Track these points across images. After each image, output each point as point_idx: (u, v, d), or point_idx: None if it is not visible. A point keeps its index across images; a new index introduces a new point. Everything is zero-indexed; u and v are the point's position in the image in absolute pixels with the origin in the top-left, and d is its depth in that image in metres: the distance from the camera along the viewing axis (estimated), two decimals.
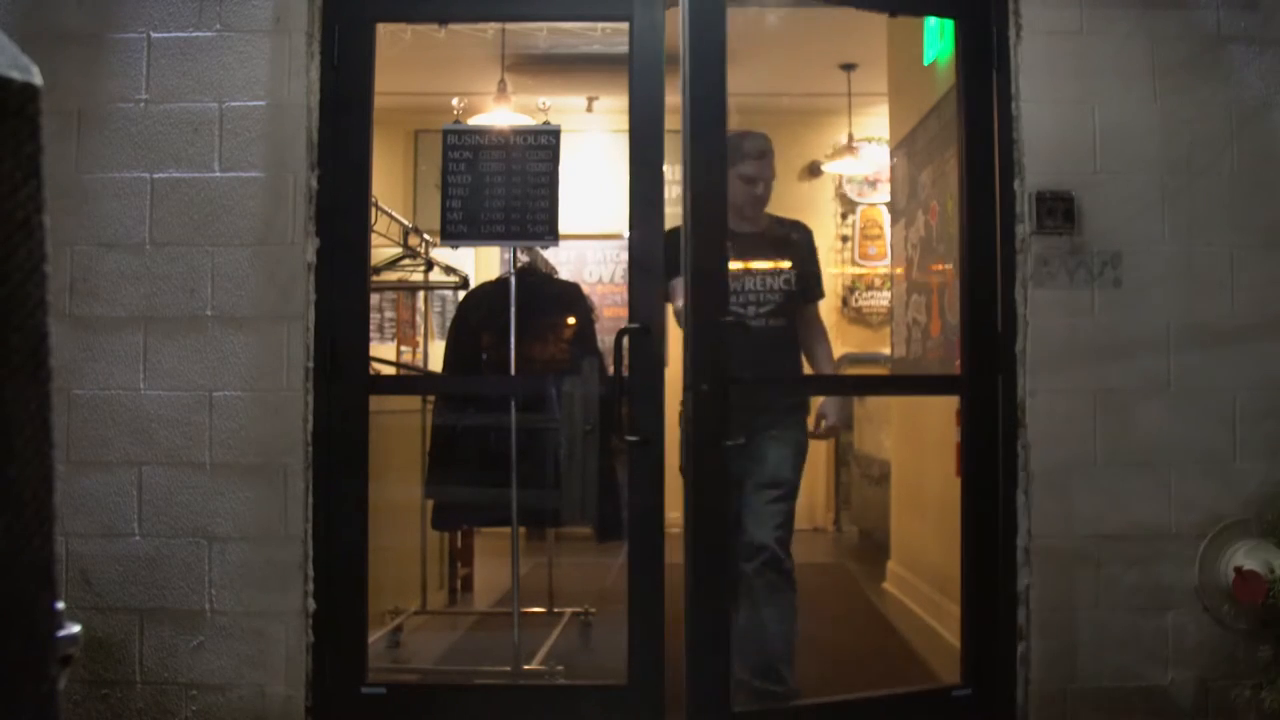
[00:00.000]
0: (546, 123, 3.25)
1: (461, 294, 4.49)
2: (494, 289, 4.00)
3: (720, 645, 2.65)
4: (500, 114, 4.99)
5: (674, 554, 2.76)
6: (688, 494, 2.68)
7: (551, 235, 3.02)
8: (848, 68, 6.02)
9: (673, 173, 2.82)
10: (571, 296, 3.92)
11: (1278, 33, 2.83)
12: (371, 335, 3.32)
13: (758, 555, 3.06)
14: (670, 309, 2.98)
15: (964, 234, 2.91)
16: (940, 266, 4.12)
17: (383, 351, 5.30)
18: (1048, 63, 2.81)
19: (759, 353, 2.86)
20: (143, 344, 2.75)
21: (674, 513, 2.73)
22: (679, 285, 2.71)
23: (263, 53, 2.78)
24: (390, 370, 4.61)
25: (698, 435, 2.65)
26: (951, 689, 2.91)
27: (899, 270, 4.89)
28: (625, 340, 2.77)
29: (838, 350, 6.99)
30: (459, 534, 4.68)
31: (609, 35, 4.51)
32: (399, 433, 4.00)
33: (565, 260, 6.00)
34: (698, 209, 2.69)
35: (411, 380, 4.75)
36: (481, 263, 6.46)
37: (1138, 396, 2.78)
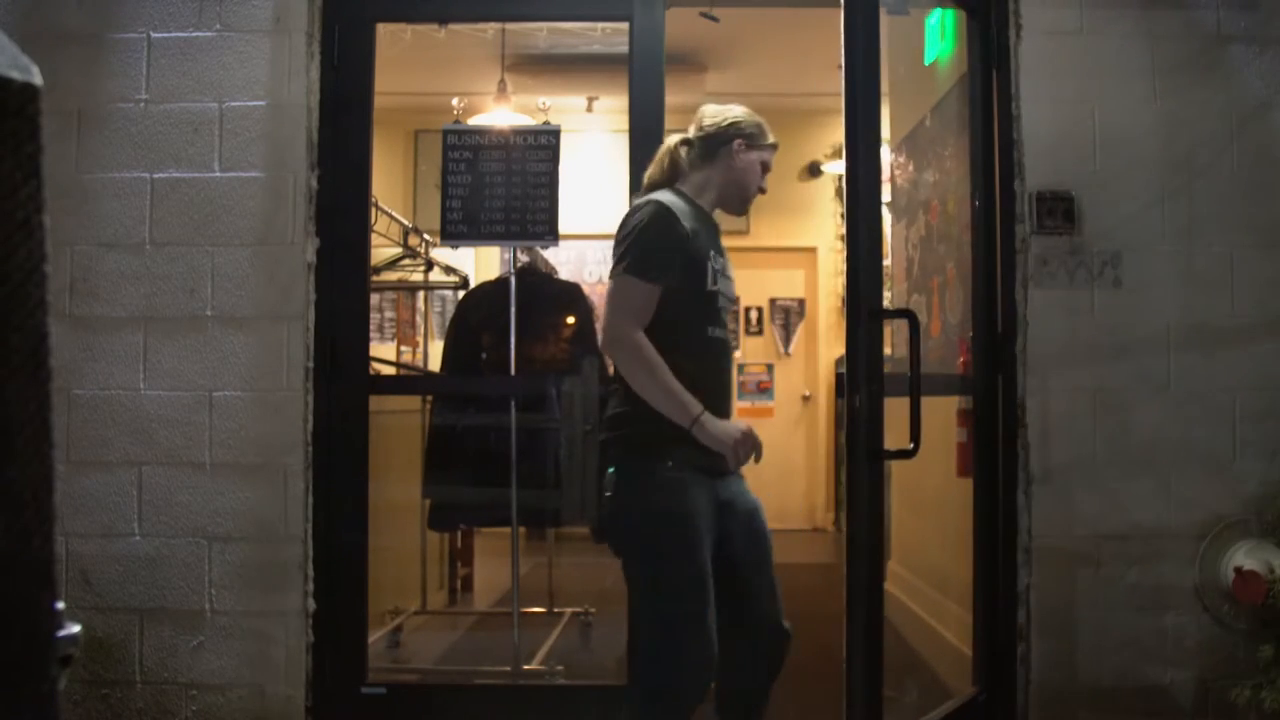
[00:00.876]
0: (546, 123, 3.25)
1: (462, 294, 4.48)
2: (494, 289, 3.99)
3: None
4: (500, 114, 4.98)
5: None
6: None
7: (551, 235, 3.02)
8: None
9: None
10: (571, 296, 3.92)
11: (1278, 33, 2.83)
12: (371, 335, 3.32)
13: (776, 641, 2.24)
14: None
15: (964, 234, 2.91)
16: (940, 266, 4.12)
17: (383, 351, 5.30)
18: (1048, 63, 2.81)
19: (722, 361, 2.30)
20: (143, 344, 2.75)
21: None
22: None
23: (263, 53, 2.78)
24: (390, 370, 4.61)
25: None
26: (976, 695, 2.81)
27: (899, 270, 4.88)
28: None
29: (838, 350, 7.03)
30: (459, 534, 4.68)
31: (609, 35, 4.51)
32: (399, 433, 3.99)
33: (565, 260, 6.01)
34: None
35: (411, 380, 4.75)
36: (481, 263, 6.46)
37: (1138, 396, 2.78)
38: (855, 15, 2.33)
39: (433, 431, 3.94)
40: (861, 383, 2.30)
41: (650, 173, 2.30)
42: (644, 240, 2.10)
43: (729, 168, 2.25)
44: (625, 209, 2.20)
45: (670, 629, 2.03)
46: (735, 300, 2.39)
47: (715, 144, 2.25)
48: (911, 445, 2.34)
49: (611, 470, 2.05)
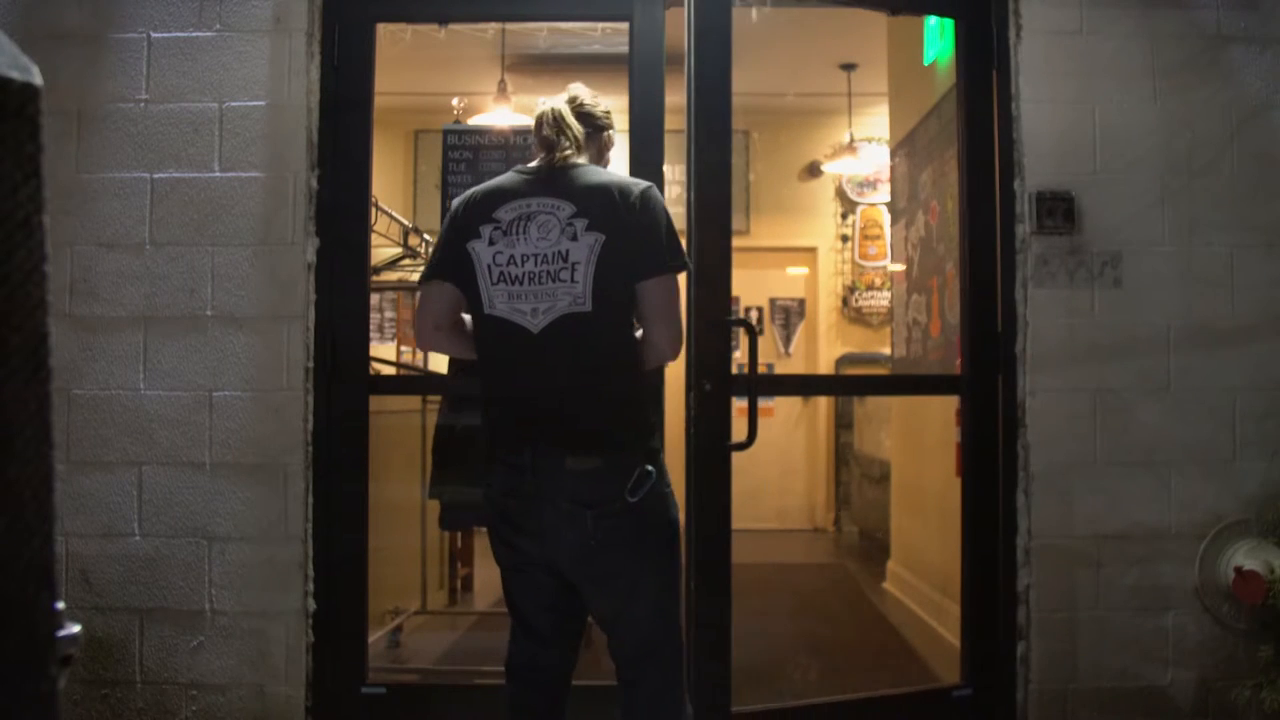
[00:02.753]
0: None
1: None
2: None
3: (720, 646, 2.65)
4: (500, 114, 4.99)
5: None
6: (689, 492, 2.68)
7: None
8: (848, 68, 6.03)
9: (673, 173, 2.82)
10: None
11: (1278, 33, 2.83)
12: (371, 335, 3.32)
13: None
14: None
15: (964, 234, 2.91)
16: (940, 266, 4.12)
17: (383, 351, 5.30)
18: (1048, 63, 2.81)
19: None
20: (143, 344, 2.75)
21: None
22: None
23: (263, 53, 2.78)
24: (390, 370, 4.61)
25: (700, 433, 2.65)
26: (952, 689, 2.91)
27: (899, 270, 4.89)
28: None
29: (838, 350, 7.04)
30: (459, 534, 4.68)
31: (609, 35, 4.51)
32: (399, 433, 3.99)
33: None
34: (702, 211, 2.70)
35: (411, 380, 4.75)
36: None
37: (1138, 396, 2.78)
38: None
39: (441, 430, 3.93)
40: (708, 381, 2.62)
41: (567, 144, 1.99)
42: (674, 228, 1.95)
43: (603, 156, 2.10)
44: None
45: (678, 627, 2.04)
46: None
47: (597, 125, 2.09)
48: (747, 438, 2.52)
49: (650, 469, 1.89)
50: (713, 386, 2.63)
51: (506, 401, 1.95)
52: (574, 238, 1.88)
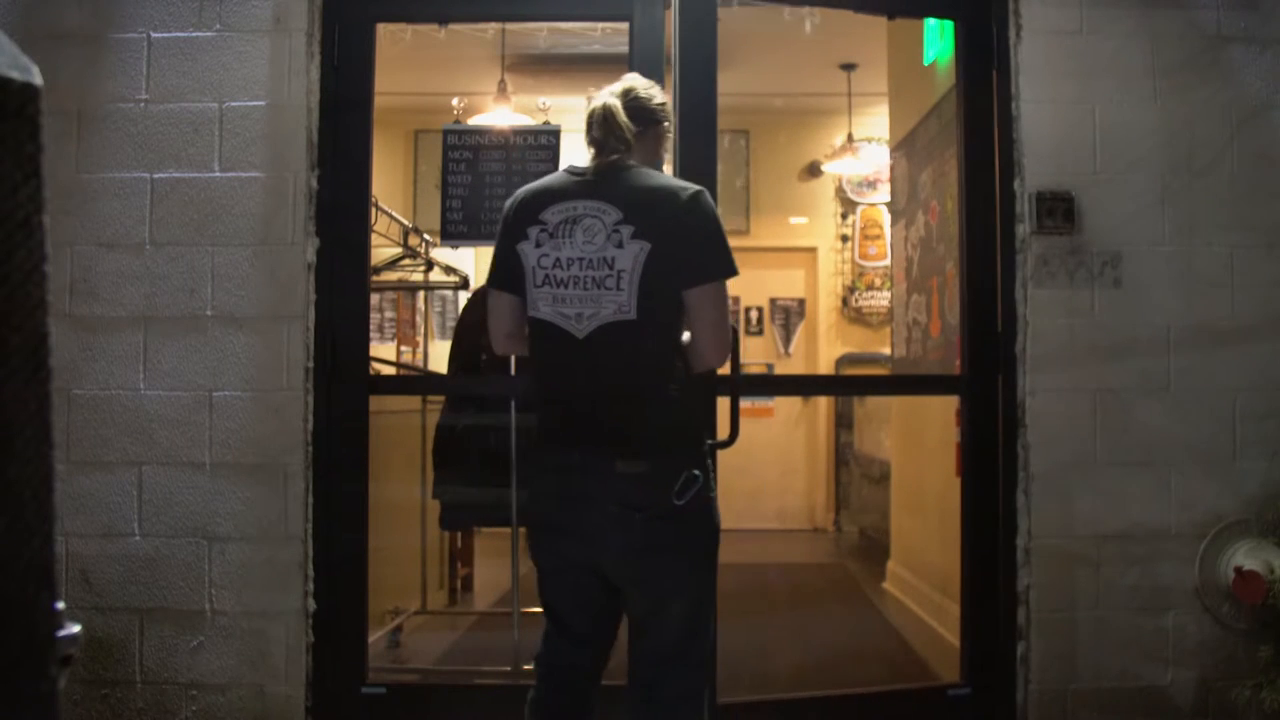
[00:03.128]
0: (546, 123, 3.25)
1: (462, 294, 4.49)
2: None
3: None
4: (500, 114, 4.99)
5: None
6: None
7: None
8: (848, 68, 6.03)
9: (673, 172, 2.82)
10: None
11: (1278, 33, 2.83)
12: (371, 335, 3.32)
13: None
14: None
15: (964, 234, 2.91)
16: (940, 266, 4.12)
17: (383, 351, 5.31)
18: (1048, 63, 2.81)
19: None
20: (143, 344, 2.75)
21: None
22: None
23: (263, 53, 2.78)
24: (390, 370, 4.61)
25: None
26: (949, 687, 2.91)
27: (899, 270, 4.89)
28: None
29: (838, 350, 7.05)
30: (459, 534, 4.68)
31: (609, 35, 4.51)
32: (399, 433, 4.00)
33: None
34: None
35: (411, 380, 4.75)
36: (481, 263, 6.45)
37: (1138, 396, 2.78)
38: None
39: (439, 431, 3.94)
40: None
41: (616, 145, 1.94)
42: (723, 233, 1.92)
43: (658, 149, 2.05)
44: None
45: (710, 633, 2.06)
46: None
47: (652, 118, 2.03)
48: (730, 436, 2.43)
49: (697, 473, 1.89)
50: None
51: (556, 403, 1.95)
52: (620, 245, 1.86)
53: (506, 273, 1.97)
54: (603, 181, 1.92)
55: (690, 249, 1.88)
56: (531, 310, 1.93)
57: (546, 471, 1.95)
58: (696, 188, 1.91)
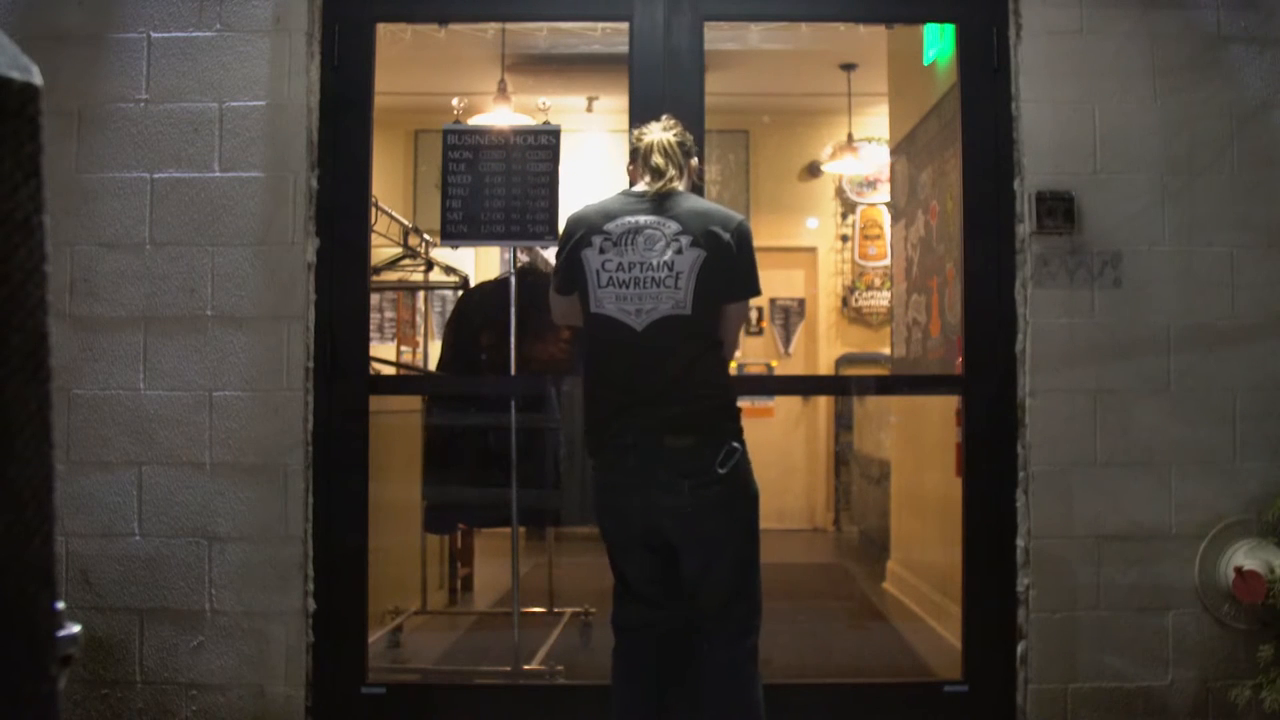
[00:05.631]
0: (546, 123, 3.25)
1: (460, 294, 4.48)
2: (494, 289, 4.00)
3: None
4: (500, 114, 4.99)
5: None
6: None
7: (551, 235, 3.02)
8: (848, 68, 6.02)
9: None
10: None
11: (1278, 33, 2.83)
12: (371, 335, 3.32)
13: None
14: None
15: (964, 234, 2.91)
16: (940, 266, 4.12)
17: (383, 351, 5.30)
18: (1048, 63, 2.81)
19: None
20: (143, 344, 2.75)
21: None
22: None
23: (263, 53, 2.78)
24: (390, 370, 4.61)
25: None
26: (944, 684, 2.91)
27: (899, 270, 4.89)
28: None
29: (838, 350, 7.04)
30: (459, 534, 4.68)
31: (609, 35, 4.51)
32: (399, 433, 3.99)
33: None
34: None
35: (411, 380, 4.75)
36: (481, 263, 6.46)
37: (1138, 396, 2.78)
38: None
39: (428, 432, 3.94)
40: None
41: (673, 172, 2.29)
42: (755, 258, 2.28)
43: (692, 178, 2.42)
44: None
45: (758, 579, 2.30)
46: None
47: (689, 153, 2.39)
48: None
49: (736, 445, 2.18)
50: None
51: (611, 388, 2.23)
52: (679, 251, 2.19)
53: (568, 278, 2.29)
54: (661, 201, 2.25)
55: (734, 269, 2.22)
56: (595, 307, 2.22)
57: (604, 449, 2.23)
58: (740, 216, 2.28)
